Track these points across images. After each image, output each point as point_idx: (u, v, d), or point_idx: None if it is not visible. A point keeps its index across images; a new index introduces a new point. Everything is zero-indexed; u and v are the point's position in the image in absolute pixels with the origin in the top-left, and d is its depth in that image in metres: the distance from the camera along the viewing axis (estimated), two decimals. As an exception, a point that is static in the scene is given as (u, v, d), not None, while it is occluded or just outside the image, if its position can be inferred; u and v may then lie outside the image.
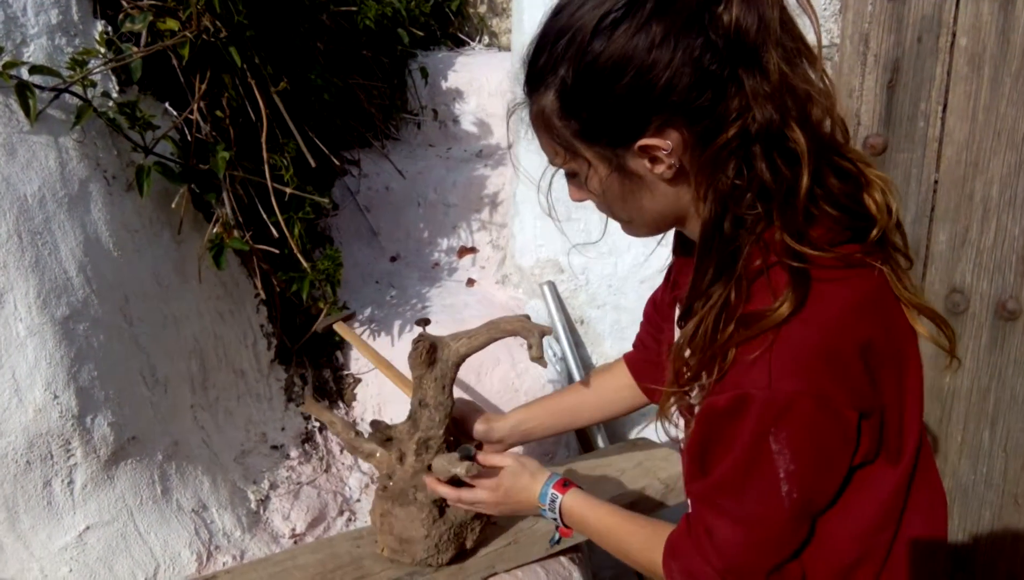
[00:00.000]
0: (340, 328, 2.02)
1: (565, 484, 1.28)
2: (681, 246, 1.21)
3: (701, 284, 0.95)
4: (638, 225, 1.05)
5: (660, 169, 0.93)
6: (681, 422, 1.07)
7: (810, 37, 0.91)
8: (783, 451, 0.89)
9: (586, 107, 0.92)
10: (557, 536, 1.47)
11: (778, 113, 0.86)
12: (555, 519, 1.28)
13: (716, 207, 0.91)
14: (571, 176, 1.03)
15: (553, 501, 1.27)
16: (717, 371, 0.92)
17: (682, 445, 1.09)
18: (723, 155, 0.89)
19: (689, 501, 1.05)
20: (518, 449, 1.70)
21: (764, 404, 0.88)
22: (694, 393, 0.99)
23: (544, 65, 0.94)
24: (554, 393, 1.85)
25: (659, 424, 1.05)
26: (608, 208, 1.04)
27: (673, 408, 1.03)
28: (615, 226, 1.08)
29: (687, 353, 0.96)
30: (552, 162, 1.03)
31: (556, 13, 0.93)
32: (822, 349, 0.89)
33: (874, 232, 0.93)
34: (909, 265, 1.02)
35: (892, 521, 1.00)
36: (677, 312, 1.13)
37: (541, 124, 0.98)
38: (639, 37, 0.85)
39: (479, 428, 1.54)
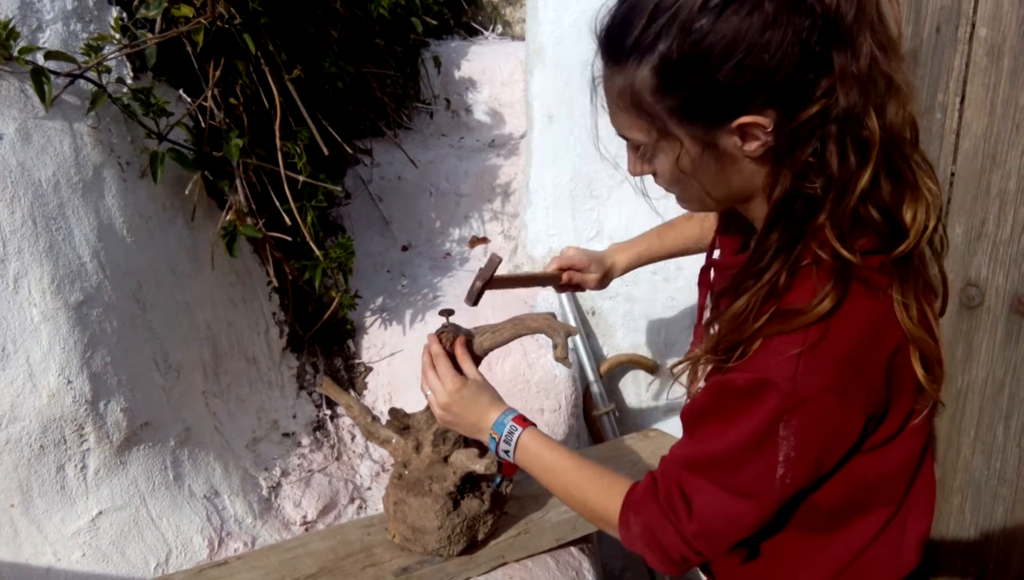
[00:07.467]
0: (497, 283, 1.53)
1: (524, 420, 1.25)
2: (725, 224, 1.19)
3: (760, 261, 0.94)
4: (702, 202, 1.02)
5: (752, 146, 0.91)
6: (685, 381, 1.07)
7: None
8: (789, 438, 0.91)
9: (688, 85, 0.87)
10: (499, 479, 1.45)
11: (862, 97, 0.85)
12: (506, 451, 1.24)
13: (791, 183, 0.90)
14: (636, 148, 0.99)
15: (511, 433, 1.23)
16: (741, 351, 0.93)
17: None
18: (803, 132, 0.88)
19: (663, 459, 1.05)
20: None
21: (785, 395, 0.90)
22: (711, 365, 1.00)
23: (638, 39, 0.88)
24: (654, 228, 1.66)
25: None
26: (681, 186, 1.00)
27: (700, 373, 1.03)
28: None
29: (727, 327, 0.96)
30: (627, 136, 0.98)
31: None
32: (856, 352, 0.91)
33: (901, 247, 0.92)
34: (936, 297, 1.01)
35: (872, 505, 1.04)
36: (712, 275, 1.14)
37: (627, 99, 0.92)
38: (754, 16, 0.83)
39: (593, 278, 1.53)
